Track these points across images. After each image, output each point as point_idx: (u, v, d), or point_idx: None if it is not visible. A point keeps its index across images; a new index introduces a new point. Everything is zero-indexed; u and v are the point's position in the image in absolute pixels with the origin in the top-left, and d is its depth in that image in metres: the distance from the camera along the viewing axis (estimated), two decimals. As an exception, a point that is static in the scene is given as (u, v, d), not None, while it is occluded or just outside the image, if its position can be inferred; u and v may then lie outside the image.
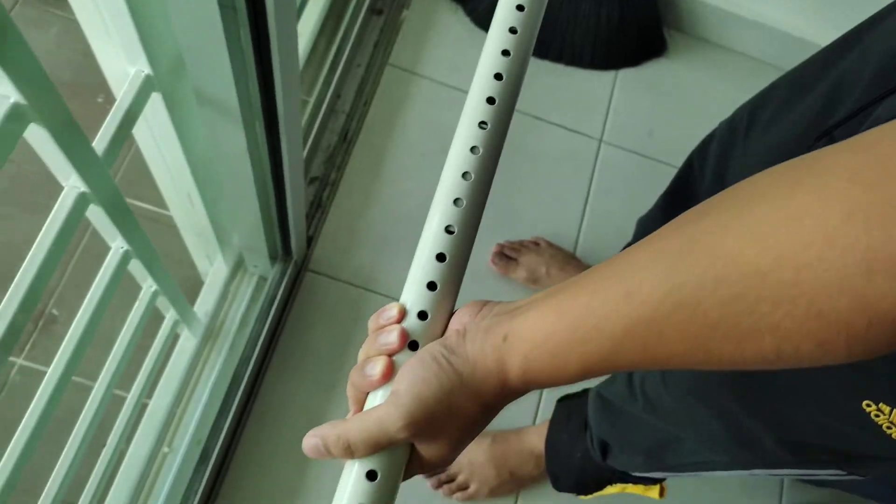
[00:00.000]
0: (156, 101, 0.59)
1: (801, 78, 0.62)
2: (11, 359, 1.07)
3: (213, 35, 0.52)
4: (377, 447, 0.34)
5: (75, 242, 1.12)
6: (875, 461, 0.48)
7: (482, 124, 0.40)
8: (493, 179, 0.40)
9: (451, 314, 0.37)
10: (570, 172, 1.21)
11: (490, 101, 0.40)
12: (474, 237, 0.39)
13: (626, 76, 1.31)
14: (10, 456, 0.57)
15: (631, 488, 0.81)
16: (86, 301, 0.64)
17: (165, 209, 0.95)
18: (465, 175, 0.39)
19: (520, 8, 0.44)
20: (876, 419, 0.44)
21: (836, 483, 0.55)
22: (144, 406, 0.94)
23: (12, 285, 0.50)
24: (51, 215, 0.52)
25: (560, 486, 0.93)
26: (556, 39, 1.27)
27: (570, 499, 1.01)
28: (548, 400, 1.07)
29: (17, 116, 0.40)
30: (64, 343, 0.62)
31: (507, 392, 0.34)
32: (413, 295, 0.37)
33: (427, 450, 0.35)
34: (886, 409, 0.43)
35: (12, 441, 0.57)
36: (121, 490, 0.89)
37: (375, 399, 0.35)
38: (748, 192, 0.26)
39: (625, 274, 0.29)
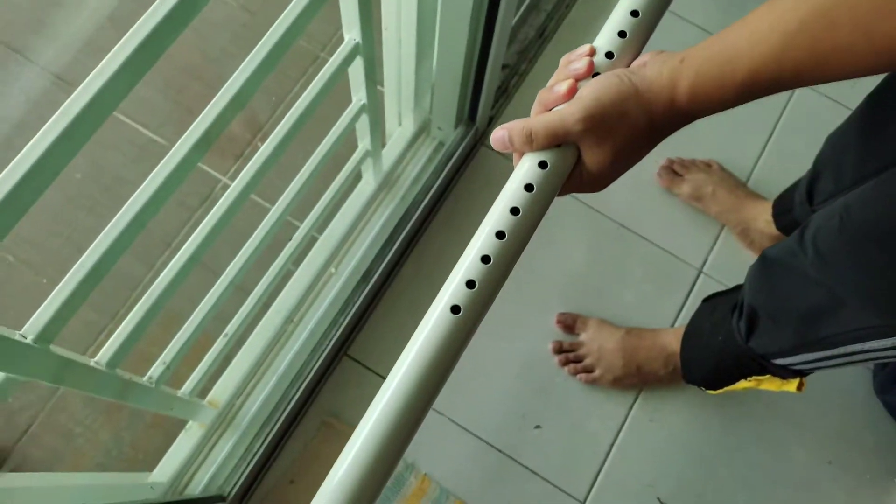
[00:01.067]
0: None
1: None
2: (217, 174, 1.22)
3: None
4: (555, 138, 0.39)
5: (286, 90, 1.25)
6: None
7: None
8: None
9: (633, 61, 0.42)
10: (760, 104, 1.18)
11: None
12: (664, 10, 0.43)
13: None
14: (194, 239, 0.65)
15: (767, 383, 0.80)
16: (300, 99, 0.72)
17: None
18: None
19: None
20: None
21: None
22: (314, 239, 1.06)
23: (232, 77, 0.56)
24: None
25: (691, 377, 0.93)
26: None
27: (695, 401, 1.02)
28: (687, 314, 1.07)
29: None
30: (260, 149, 0.69)
31: (675, 109, 0.38)
32: (605, 38, 0.42)
33: (592, 155, 0.39)
34: None
35: (197, 229, 0.66)
36: (287, 298, 1.00)
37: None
38: None
39: None
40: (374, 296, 1.06)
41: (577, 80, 0.40)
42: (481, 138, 1.15)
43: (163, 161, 0.55)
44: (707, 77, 0.36)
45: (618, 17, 0.43)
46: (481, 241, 0.39)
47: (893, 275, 0.57)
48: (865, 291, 0.61)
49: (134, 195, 0.54)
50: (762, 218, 1.04)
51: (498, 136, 0.42)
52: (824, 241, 0.63)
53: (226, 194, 0.69)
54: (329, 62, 0.74)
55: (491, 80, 1.01)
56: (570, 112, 0.38)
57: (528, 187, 0.40)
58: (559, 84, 0.40)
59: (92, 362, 0.59)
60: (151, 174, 0.54)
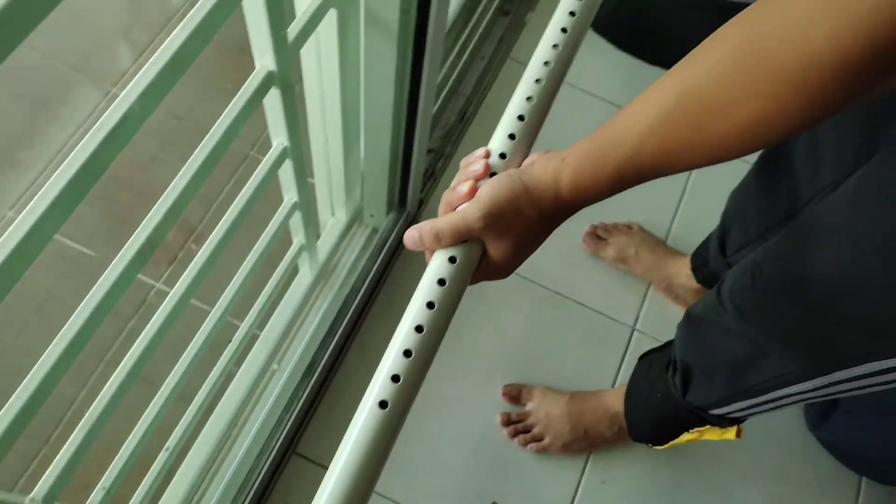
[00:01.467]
0: (330, 20, 0.71)
1: None
2: (151, 280, 1.21)
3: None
4: (459, 236, 0.44)
5: (218, 189, 1.27)
6: None
7: (563, 30, 0.52)
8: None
9: (524, 160, 0.48)
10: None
11: (563, 30, 0.52)
12: (548, 108, 0.50)
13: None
14: (132, 353, 0.65)
15: (708, 433, 0.84)
16: (233, 203, 0.75)
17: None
18: (546, 63, 0.51)
19: (563, 31, 0.55)
20: None
21: None
22: (255, 336, 1.06)
23: (166, 192, 0.58)
24: (240, 91, 0.64)
25: (637, 435, 0.96)
26: (673, 47, 1.35)
27: (643, 458, 1.05)
28: (626, 372, 1.11)
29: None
30: (199, 252, 0.70)
31: (560, 203, 0.43)
32: (497, 142, 0.48)
33: (495, 247, 0.44)
34: None
35: (136, 342, 0.65)
36: (230, 400, 0.99)
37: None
38: (742, 12, 0.35)
39: (652, 87, 0.38)
40: (319, 389, 1.06)
41: (476, 180, 0.45)
42: (413, 222, 1.18)
43: (101, 278, 0.55)
44: (583, 173, 0.41)
45: (507, 122, 0.49)
46: (402, 336, 0.43)
47: (805, 323, 0.62)
48: (784, 340, 0.66)
49: (72, 316, 0.54)
50: (683, 273, 1.10)
51: (409, 235, 0.47)
52: (740, 297, 0.69)
53: (164, 303, 0.69)
54: (259, 166, 0.76)
55: (417, 165, 1.06)
56: (471, 211, 0.43)
57: (441, 282, 0.44)
58: (461, 185, 0.45)
59: (27, 500, 0.57)
60: (90, 292, 0.55)
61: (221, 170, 1.30)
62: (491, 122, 1.29)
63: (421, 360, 0.42)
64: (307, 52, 0.79)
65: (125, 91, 0.47)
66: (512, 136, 0.48)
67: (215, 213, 1.25)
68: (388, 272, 1.16)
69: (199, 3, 0.50)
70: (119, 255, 0.56)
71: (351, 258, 1.14)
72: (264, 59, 0.63)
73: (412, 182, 1.09)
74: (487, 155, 0.47)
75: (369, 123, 0.93)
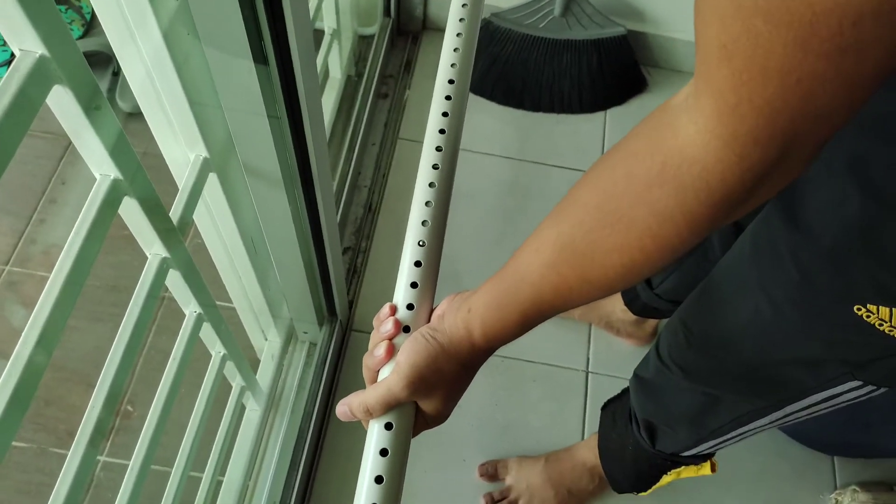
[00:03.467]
0: (212, 181, 0.71)
1: None
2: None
3: (259, 120, 0.64)
4: (388, 406, 0.44)
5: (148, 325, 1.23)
6: (881, 361, 0.54)
7: (434, 166, 0.54)
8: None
9: (432, 303, 0.49)
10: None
11: (438, 149, 0.55)
12: (441, 247, 0.52)
13: (615, 114, 1.42)
14: None
15: (685, 472, 0.86)
16: (164, 375, 0.73)
17: (220, 300, 1.05)
18: (427, 203, 0.52)
19: (450, 82, 0.58)
20: (868, 319, 0.50)
21: (864, 405, 0.60)
22: (220, 483, 1.02)
23: (100, 378, 0.57)
24: (138, 284, 0.63)
25: (620, 487, 0.97)
26: (545, 92, 1.40)
27: (629, 499, 1.05)
28: (591, 416, 1.12)
29: (116, 189, 0.51)
30: (145, 425, 0.69)
31: (476, 351, 0.45)
32: (401, 294, 0.49)
33: (427, 405, 0.45)
34: (874, 308, 0.49)
35: None
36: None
37: (384, 373, 0.46)
38: (594, 166, 0.39)
39: (534, 237, 0.41)
40: (297, 526, 1.02)
41: (391, 339, 0.46)
42: (346, 327, 1.17)
43: (59, 479, 0.53)
44: (491, 321, 0.43)
45: (406, 271, 0.50)
46: None
47: (745, 372, 0.65)
48: (731, 388, 0.68)
49: None
50: (618, 308, 1.13)
51: (341, 410, 0.47)
52: (680, 357, 0.71)
53: (125, 479, 0.67)
54: (178, 337, 0.74)
55: (336, 274, 1.05)
56: (395, 382, 0.44)
57: (384, 452, 0.44)
58: (377, 348, 0.46)
59: None
60: (52, 495, 0.52)
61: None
62: (398, 206, 1.30)
63: None
64: (199, 213, 0.78)
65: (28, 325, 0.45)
66: (414, 285, 0.49)
67: (143, 369, 1.21)
68: (336, 386, 1.14)
69: (72, 236, 0.49)
70: (71, 452, 0.54)
71: (295, 380, 1.11)
72: (154, 249, 0.62)
73: (336, 289, 1.08)
74: (394, 310, 0.48)
75: (277, 252, 0.92)
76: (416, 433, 0.47)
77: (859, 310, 0.50)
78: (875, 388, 0.57)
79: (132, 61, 0.58)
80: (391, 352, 0.46)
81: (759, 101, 0.28)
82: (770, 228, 0.56)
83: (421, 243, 0.51)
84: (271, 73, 0.61)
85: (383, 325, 0.47)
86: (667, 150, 0.33)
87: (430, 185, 0.53)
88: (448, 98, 0.58)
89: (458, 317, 0.45)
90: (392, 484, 0.43)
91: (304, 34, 0.59)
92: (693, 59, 0.31)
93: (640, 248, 0.35)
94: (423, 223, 0.51)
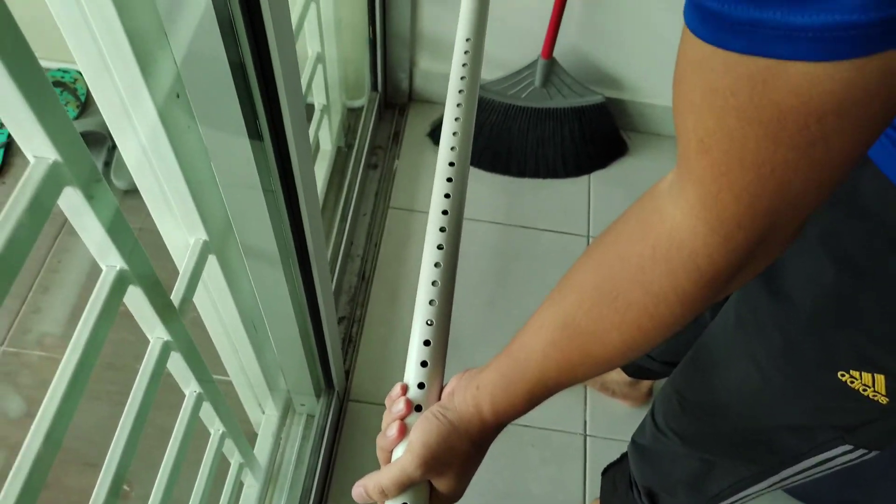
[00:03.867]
0: (211, 263, 0.72)
1: None
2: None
3: (255, 195, 0.66)
4: (402, 487, 0.45)
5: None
6: (869, 425, 0.55)
7: (439, 247, 0.55)
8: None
9: (442, 380, 0.50)
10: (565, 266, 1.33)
11: (442, 229, 0.56)
12: (449, 325, 0.53)
13: (598, 177, 1.47)
14: None
15: (685, 537, 0.85)
16: (165, 456, 0.73)
17: (217, 374, 1.05)
18: (434, 283, 0.53)
19: (453, 149, 0.60)
20: (852, 385, 0.52)
21: (856, 469, 0.61)
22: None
23: (104, 464, 0.58)
24: (142, 366, 0.63)
25: (627, 554, 0.96)
26: (530, 158, 1.44)
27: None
28: (591, 480, 1.12)
29: (122, 279, 0.53)
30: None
31: (486, 428, 0.45)
32: (412, 373, 0.50)
33: (440, 483, 0.46)
34: (857, 374, 0.51)
35: None
36: None
37: (397, 453, 0.47)
38: (590, 248, 0.41)
39: (538, 316, 0.43)
40: None
41: (402, 419, 0.47)
42: (344, 398, 1.17)
43: None
44: (499, 399, 0.44)
45: (416, 350, 0.51)
46: None
47: (739, 437, 0.66)
48: (727, 453, 0.69)
49: None
50: (613, 370, 1.14)
51: (357, 492, 0.48)
52: (675, 423, 0.72)
53: None
54: (178, 420, 0.75)
55: (332, 343, 1.06)
56: (408, 462, 0.45)
57: None
58: (389, 428, 0.47)
59: None
60: None
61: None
62: (391, 273, 1.31)
63: None
64: (198, 293, 0.79)
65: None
66: (424, 364, 0.50)
67: (140, 445, 1.19)
68: (335, 458, 1.13)
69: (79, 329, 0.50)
70: None
71: (293, 453, 1.10)
72: (156, 332, 0.63)
73: (332, 360, 1.08)
74: (405, 390, 0.48)
75: (275, 327, 0.93)
76: None
77: (843, 376, 0.51)
78: (867, 451, 0.58)
79: (128, 140, 0.59)
80: (403, 431, 0.46)
81: (738, 190, 0.30)
82: (752, 298, 0.58)
83: (429, 322, 0.51)
84: (266, 148, 0.64)
85: (395, 406, 0.48)
86: (656, 235, 0.35)
87: (436, 265, 0.54)
88: (449, 180, 0.58)
89: (468, 394, 0.45)
90: None
91: (297, 110, 0.62)
92: (670, 123, 0.33)
93: (638, 326, 0.36)
94: (431, 302, 0.52)
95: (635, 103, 1.48)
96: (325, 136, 1.37)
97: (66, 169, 0.42)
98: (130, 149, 0.60)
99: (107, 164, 1.45)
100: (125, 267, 0.53)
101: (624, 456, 0.93)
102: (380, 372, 1.20)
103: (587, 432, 1.17)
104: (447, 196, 0.57)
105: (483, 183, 1.44)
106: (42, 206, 0.41)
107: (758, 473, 0.67)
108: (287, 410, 1.14)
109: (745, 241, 0.31)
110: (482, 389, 0.45)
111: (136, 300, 0.57)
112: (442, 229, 0.56)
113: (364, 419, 1.16)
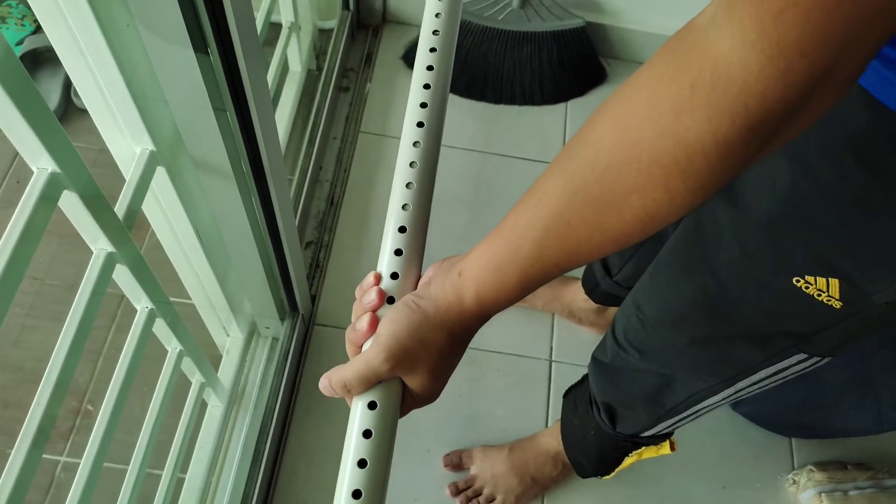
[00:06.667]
0: (161, 175, 0.70)
1: None
2: (54, 457, 1.14)
3: (205, 113, 0.63)
4: (368, 383, 0.41)
5: (101, 340, 1.21)
6: (824, 332, 0.55)
7: (419, 124, 0.50)
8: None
9: (419, 272, 0.45)
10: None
11: (423, 105, 0.51)
12: (428, 211, 0.48)
13: (576, 105, 1.43)
14: None
15: (646, 452, 0.88)
16: (116, 370, 0.72)
17: (180, 297, 1.04)
18: (412, 164, 0.48)
19: (430, 68, 0.52)
20: (807, 290, 0.51)
21: (819, 387, 0.62)
22: (181, 480, 1.01)
23: (44, 376, 0.56)
24: (83, 280, 0.62)
25: (584, 472, 0.98)
26: (506, 84, 1.40)
27: (594, 485, 1.07)
28: (555, 404, 1.13)
29: (55, 184, 0.51)
30: (97, 420, 0.68)
31: (467, 318, 0.41)
32: (385, 262, 0.45)
33: (411, 381, 0.42)
34: (812, 279, 0.50)
35: None
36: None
37: (367, 347, 0.42)
38: (606, 101, 0.35)
39: (536, 187, 0.38)
40: (261, 521, 1.02)
41: (374, 311, 0.43)
42: (309, 321, 1.17)
43: (2, 476, 0.52)
44: (486, 284, 0.39)
45: (390, 238, 0.46)
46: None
47: (696, 349, 0.66)
48: (683, 366, 0.69)
49: None
50: (579, 297, 1.14)
51: (323, 384, 0.44)
52: (635, 338, 0.72)
53: (76, 478, 0.66)
54: (130, 333, 0.73)
55: (296, 267, 1.04)
56: (373, 355, 0.40)
57: (367, 433, 0.40)
58: (359, 320, 0.43)
59: None
60: None
61: (98, 319, 1.23)
62: (360, 199, 1.29)
63: None
64: (150, 207, 0.77)
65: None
66: (399, 252, 0.45)
67: (103, 368, 1.19)
68: (300, 380, 1.13)
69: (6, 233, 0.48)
70: (16, 447, 0.54)
71: (258, 376, 1.10)
72: (99, 243, 0.61)
73: (296, 285, 1.07)
74: (378, 279, 0.44)
75: (234, 247, 0.91)
76: (403, 413, 0.43)
77: (798, 281, 0.51)
78: (820, 358, 0.58)
79: (72, 55, 0.57)
80: (375, 324, 0.42)
81: (809, 3, 0.25)
82: (710, 206, 0.57)
83: (405, 207, 0.46)
84: (214, 64, 0.60)
85: (366, 296, 0.43)
86: (696, 72, 0.29)
87: (415, 143, 0.48)
88: (433, 50, 0.51)
89: (447, 281, 0.41)
90: (377, 468, 0.39)
91: (245, 22, 0.58)
92: (651, 50, 0.29)
93: (665, 186, 0.31)
94: (408, 185, 0.47)
95: (616, 28, 1.44)
96: (293, 56, 1.32)
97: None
98: (76, 65, 0.57)
99: (67, 86, 1.39)
100: (57, 170, 0.50)
101: (584, 378, 0.94)
102: (347, 297, 1.19)
103: (553, 358, 1.18)
104: (430, 68, 0.51)
105: (457, 108, 1.40)
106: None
107: (714, 385, 0.68)
108: (252, 333, 1.14)
109: (807, 73, 0.27)
110: (465, 276, 0.40)
111: (74, 209, 0.55)
112: (423, 105, 0.50)
113: (330, 343, 1.16)
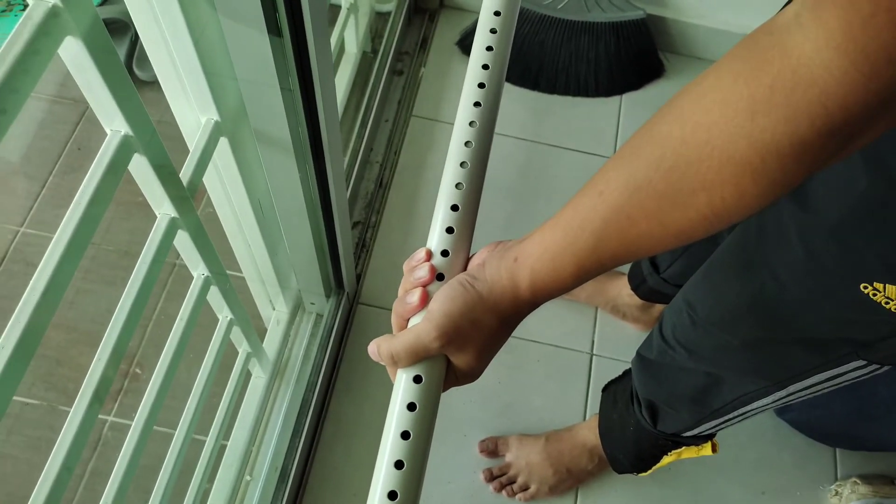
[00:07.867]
0: (223, 146, 0.71)
1: None
2: (103, 416, 1.18)
3: (272, 92, 0.64)
4: (416, 357, 0.41)
5: (151, 307, 1.24)
6: (886, 340, 0.54)
7: (476, 104, 0.50)
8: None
9: (469, 252, 0.46)
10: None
11: (481, 85, 0.51)
12: (480, 191, 0.48)
13: (631, 99, 1.41)
14: (108, 493, 0.64)
15: (686, 452, 0.87)
16: (170, 334, 0.74)
17: (230, 269, 1.06)
18: (467, 143, 0.48)
19: (489, 48, 0.52)
20: (874, 298, 0.49)
21: (869, 398, 0.60)
22: (223, 447, 1.03)
23: (104, 337, 0.58)
24: (146, 243, 0.63)
25: (620, 468, 0.98)
26: (561, 74, 1.39)
27: (629, 482, 1.06)
28: (594, 398, 1.13)
29: (126, 147, 0.52)
30: (150, 385, 0.70)
31: (519, 304, 0.41)
32: (436, 239, 0.45)
33: (458, 359, 0.42)
34: (881, 286, 0.48)
35: (105, 490, 0.64)
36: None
37: (414, 321, 0.43)
38: (673, 99, 0.35)
39: (597, 180, 0.37)
40: (297, 492, 1.04)
41: (424, 286, 0.43)
42: (353, 300, 1.18)
43: (61, 434, 0.54)
44: (542, 273, 0.39)
45: (442, 215, 0.46)
46: (383, 476, 0.40)
47: (749, 352, 0.65)
48: (734, 368, 0.68)
49: (40, 481, 0.52)
50: (625, 292, 1.13)
51: (371, 350, 0.44)
52: (684, 337, 0.71)
53: (128, 438, 0.68)
54: (185, 299, 0.75)
55: (345, 247, 1.06)
56: (425, 331, 0.41)
57: (411, 406, 0.41)
58: (410, 294, 0.43)
59: None
60: (54, 449, 0.53)
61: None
62: (409, 182, 1.30)
63: (407, 500, 0.39)
64: (210, 178, 0.78)
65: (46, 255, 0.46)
66: (450, 230, 0.45)
67: (153, 333, 1.23)
68: (342, 357, 1.15)
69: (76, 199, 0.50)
70: (73, 407, 0.56)
71: (301, 350, 1.12)
72: (163, 209, 0.63)
73: (344, 263, 1.08)
74: (429, 256, 0.44)
75: (287, 222, 0.93)
76: (444, 389, 0.43)
77: (865, 288, 0.50)
78: (879, 366, 0.57)
79: (149, 28, 0.58)
80: (425, 300, 0.42)
81: None
82: (776, 208, 0.55)
83: (459, 185, 0.46)
84: (285, 46, 0.62)
85: (417, 271, 0.43)
86: (776, 73, 0.29)
87: (471, 123, 0.49)
88: (493, 32, 0.52)
89: (502, 266, 0.41)
90: (419, 440, 0.40)
91: (318, 7, 0.59)
92: (712, 46, 0.28)
93: (735, 185, 0.31)
94: (462, 164, 0.47)
95: (678, 22, 1.41)
96: (350, 38, 1.33)
97: (67, 15, 0.41)
98: (151, 36, 0.58)
99: (130, 57, 1.43)
100: (130, 133, 0.52)
101: (626, 373, 0.93)
102: (391, 278, 1.20)
103: (594, 352, 1.17)
104: (489, 49, 0.51)
105: (509, 97, 1.39)
106: (40, 52, 0.40)
107: (764, 388, 0.66)
108: (297, 308, 1.16)
109: (891, 80, 0.26)
110: (521, 262, 0.40)
111: (142, 173, 0.57)
112: (481, 85, 0.50)
113: (372, 322, 1.17)
